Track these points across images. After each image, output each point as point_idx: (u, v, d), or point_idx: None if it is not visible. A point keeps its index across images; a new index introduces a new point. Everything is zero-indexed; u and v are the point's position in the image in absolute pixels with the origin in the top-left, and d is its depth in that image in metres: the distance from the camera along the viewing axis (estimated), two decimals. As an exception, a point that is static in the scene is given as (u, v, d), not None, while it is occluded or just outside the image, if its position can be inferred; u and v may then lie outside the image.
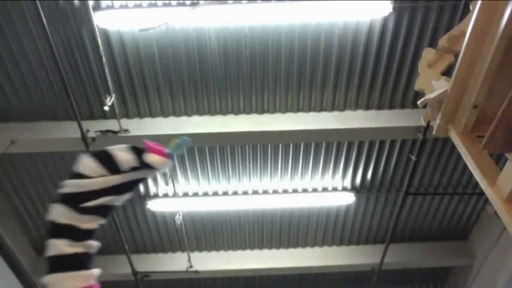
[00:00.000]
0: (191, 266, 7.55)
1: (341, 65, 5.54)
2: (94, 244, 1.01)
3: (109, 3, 4.85)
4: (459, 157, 5.79)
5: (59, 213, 1.01)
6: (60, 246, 0.98)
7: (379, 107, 5.94)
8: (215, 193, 6.91)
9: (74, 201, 1.01)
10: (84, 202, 1.02)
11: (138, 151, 1.08)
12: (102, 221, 1.04)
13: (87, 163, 1.04)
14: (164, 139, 4.65)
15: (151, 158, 1.06)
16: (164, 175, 6.54)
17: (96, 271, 0.97)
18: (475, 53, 1.86)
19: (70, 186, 1.03)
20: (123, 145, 1.07)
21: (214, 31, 5.15)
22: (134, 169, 1.08)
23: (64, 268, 0.97)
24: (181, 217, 6.87)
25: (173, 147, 1.12)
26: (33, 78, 5.45)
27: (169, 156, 1.11)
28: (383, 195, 7.12)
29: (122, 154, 1.07)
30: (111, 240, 7.54)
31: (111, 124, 5.66)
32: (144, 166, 1.07)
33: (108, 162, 1.05)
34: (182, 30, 5.12)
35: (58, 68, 4.93)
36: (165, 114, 5.90)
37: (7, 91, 5.55)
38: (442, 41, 2.34)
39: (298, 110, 5.93)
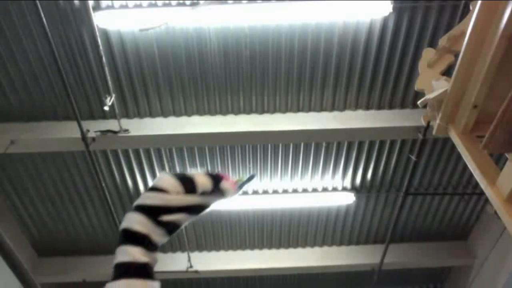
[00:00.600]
0: (191, 266, 7.56)
1: (341, 65, 5.54)
2: (157, 260, 1.06)
3: (109, 3, 4.85)
4: (459, 157, 5.79)
5: (138, 222, 1.04)
6: (135, 254, 1.01)
7: (379, 107, 5.94)
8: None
9: (152, 213, 1.05)
10: (162, 215, 1.05)
11: (214, 178, 1.17)
12: (167, 238, 1.08)
13: (168, 179, 1.10)
14: (164, 139, 4.64)
15: (226, 185, 1.15)
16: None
17: (157, 285, 1.03)
18: (475, 53, 1.86)
19: (152, 198, 1.07)
20: (202, 172, 1.17)
21: (214, 31, 5.15)
22: (207, 193, 1.15)
23: (135, 275, 1.01)
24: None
25: (242, 181, 1.25)
26: (33, 78, 5.45)
27: (238, 188, 1.23)
28: (383, 195, 7.13)
29: (201, 177, 1.15)
30: (111, 240, 7.54)
31: (111, 124, 5.66)
32: (217, 192, 1.15)
33: (187, 182, 1.11)
34: (182, 30, 5.12)
35: (58, 68, 4.92)
36: (165, 114, 5.90)
37: (7, 91, 5.55)
38: (442, 41, 2.34)
39: (298, 110, 5.93)
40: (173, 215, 1.06)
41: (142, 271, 1.02)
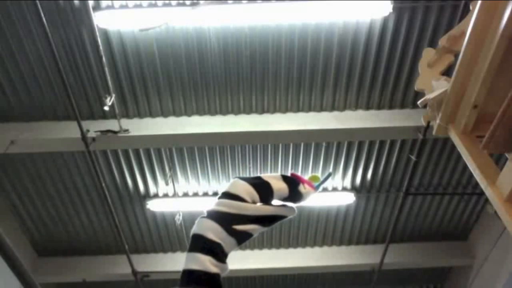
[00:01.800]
0: (191, 266, 7.55)
1: (341, 65, 5.54)
2: (227, 269, 1.01)
3: (109, 3, 4.85)
4: (459, 157, 5.78)
5: (211, 229, 1.00)
6: (205, 262, 0.97)
7: (379, 107, 5.94)
8: (215, 193, 6.90)
9: (226, 221, 1.01)
10: (236, 224, 1.02)
11: (290, 181, 1.11)
12: (237, 248, 1.04)
13: (244, 186, 1.05)
14: (164, 139, 4.63)
15: (305, 189, 1.11)
16: (164, 174, 6.55)
17: None
18: (475, 53, 1.85)
19: (227, 205, 1.03)
20: (276, 174, 1.10)
21: (214, 31, 5.15)
22: (284, 199, 1.11)
23: (205, 285, 0.97)
24: (181, 217, 6.87)
25: (319, 181, 1.19)
26: (33, 78, 5.45)
27: (316, 188, 1.17)
28: (383, 195, 7.12)
29: (277, 183, 1.09)
30: (111, 240, 7.55)
31: (111, 124, 5.66)
32: (295, 196, 1.10)
33: (263, 189, 1.06)
34: (182, 30, 5.12)
35: (58, 68, 4.93)
36: (165, 114, 5.90)
37: (7, 91, 5.55)
38: (442, 41, 2.34)
39: (298, 110, 5.93)
40: (247, 225, 1.02)
41: (212, 281, 0.97)
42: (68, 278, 7.79)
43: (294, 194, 1.10)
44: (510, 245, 6.70)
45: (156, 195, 6.93)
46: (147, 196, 6.92)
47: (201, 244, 1.00)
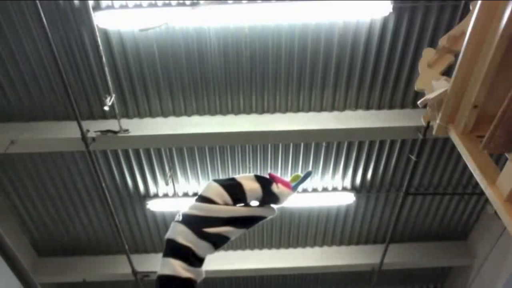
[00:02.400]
0: (191, 266, 7.55)
1: (341, 65, 5.54)
2: (203, 274, 0.99)
3: (109, 3, 4.85)
4: (459, 157, 5.78)
5: (181, 233, 0.99)
6: (176, 267, 0.95)
7: (379, 107, 5.94)
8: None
9: (197, 224, 0.99)
10: (207, 227, 0.99)
11: (263, 181, 1.07)
12: (213, 251, 1.02)
13: (215, 188, 1.03)
14: (164, 139, 4.62)
15: (278, 189, 1.06)
16: (164, 175, 6.55)
17: None
18: (475, 53, 1.85)
19: (197, 208, 1.01)
20: (249, 174, 1.07)
21: (214, 31, 5.15)
22: (259, 201, 1.07)
23: None
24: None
25: (297, 180, 1.14)
26: (33, 78, 5.45)
27: (293, 188, 1.11)
28: (383, 195, 7.12)
29: (249, 183, 1.05)
30: (111, 240, 7.55)
31: (111, 124, 5.66)
32: (270, 197, 1.06)
33: (235, 191, 1.03)
34: (182, 30, 5.12)
35: (58, 68, 4.93)
36: (165, 114, 5.90)
37: (7, 91, 5.55)
38: (442, 41, 2.34)
39: (298, 110, 5.93)
40: (219, 228, 0.99)
41: (184, 286, 0.95)
42: (68, 278, 7.79)
43: (268, 194, 1.06)
44: (510, 245, 6.70)
45: (156, 195, 6.93)
46: (147, 196, 6.92)
47: (172, 249, 0.98)
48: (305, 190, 6.94)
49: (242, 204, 1.06)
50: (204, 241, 0.99)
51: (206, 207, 1.01)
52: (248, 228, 1.06)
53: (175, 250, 0.98)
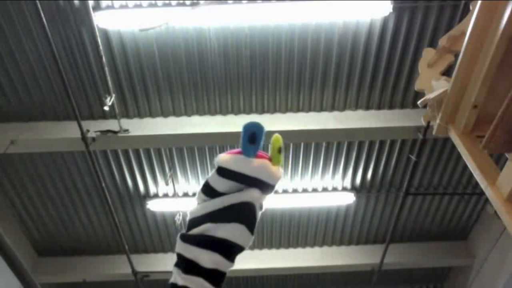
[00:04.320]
0: (191, 266, 7.55)
1: (341, 65, 5.54)
2: (204, 285, 0.89)
3: (109, 3, 4.85)
4: (459, 157, 5.79)
5: (177, 242, 0.94)
6: (175, 274, 0.93)
7: (379, 107, 5.94)
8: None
9: (187, 229, 0.95)
10: (189, 230, 0.94)
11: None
12: (205, 255, 0.90)
13: (198, 194, 0.96)
14: (164, 139, 4.61)
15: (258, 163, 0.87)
16: (164, 174, 6.55)
17: None
18: (475, 53, 1.86)
19: (188, 213, 0.95)
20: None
21: (214, 31, 5.15)
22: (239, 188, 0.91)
23: None
24: (181, 217, 6.87)
25: (275, 147, 0.91)
26: (33, 78, 5.45)
27: (243, 153, 0.87)
28: (383, 195, 7.12)
29: (211, 175, 0.90)
30: (111, 240, 7.55)
31: (111, 124, 5.66)
32: (249, 177, 0.88)
33: (205, 188, 0.93)
34: (182, 30, 5.12)
35: (58, 68, 4.93)
36: (165, 114, 5.90)
37: (7, 91, 5.55)
38: (442, 41, 2.34)
39: (298, 110, 5.93)
40: (197, 228, 0.92)
41: None
42: (68, 278, 7.79)
43: (232, 177, 0.89)
44: (510, 245, 6.70)
45: (156, 195, 6.93)
46: (147, 196, 6.92)
47: (176, 259, 0.96)
48: (305, 190, 6.94)
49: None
50: (187, 244, 0.92)
51: (190, 210, 0.95)
52: (243, 222, 0.91)
53: (177, 259, 0.95)
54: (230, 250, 0.94)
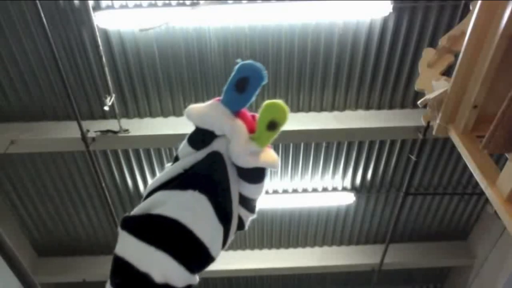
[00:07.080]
0: (191, 266, 7.55)
1: (341, 65, 5.54)
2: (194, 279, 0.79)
3: (109, 3, 4.85)
4: (459, 157, 5.78)
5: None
6: None
7: (379, 107, 5.94)
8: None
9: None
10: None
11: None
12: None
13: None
14: (164, 139, 4.60)
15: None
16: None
17: None
18: (475, 53, 1.86)
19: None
20: None
21: (214, 31, 5.15)
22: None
23: None
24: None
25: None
26: (33, 78, 5.45)
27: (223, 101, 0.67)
28: (383, 195, 7.12)
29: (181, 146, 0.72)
30: (111, 240, 7.54)
31: (111, 124, 5.66)
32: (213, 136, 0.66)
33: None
34: (182, 30, 5.12)
35: (58, 68, 4.93)
36: (165, 114, 5.90)
37: (7, 91, 5.55)
38: (442, 41, 2.34)
39: (298, 110, 5.93)
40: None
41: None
42: (68, 278, 7.78)
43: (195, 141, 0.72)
44: (510, 245, 6.70)
45: (156, 195, 6.92)
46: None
47: None
48: (305, 190, 6.94)
49: None
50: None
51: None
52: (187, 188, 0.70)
53: None
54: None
